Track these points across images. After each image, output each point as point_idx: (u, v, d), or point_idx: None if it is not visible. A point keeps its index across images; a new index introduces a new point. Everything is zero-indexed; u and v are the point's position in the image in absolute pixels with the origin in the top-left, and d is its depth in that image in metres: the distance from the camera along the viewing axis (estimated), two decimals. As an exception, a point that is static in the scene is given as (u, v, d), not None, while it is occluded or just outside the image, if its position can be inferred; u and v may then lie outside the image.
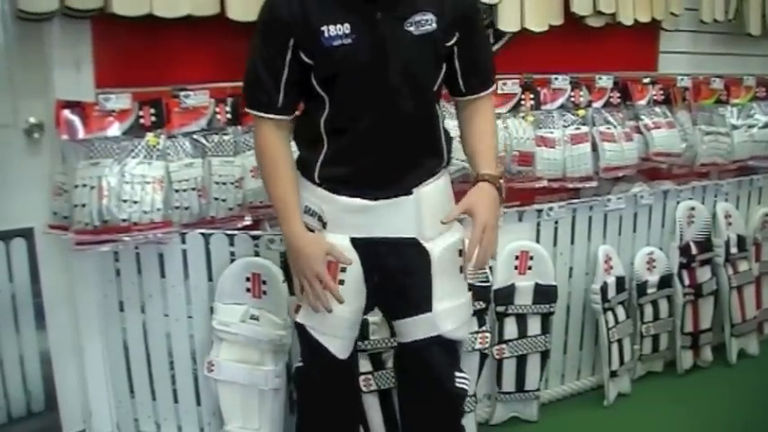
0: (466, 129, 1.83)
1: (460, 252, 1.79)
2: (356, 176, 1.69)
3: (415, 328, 1.78)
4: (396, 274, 1.75)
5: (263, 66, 1.66)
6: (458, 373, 1.86)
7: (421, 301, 1.76)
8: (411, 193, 1.72)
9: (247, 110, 1.73)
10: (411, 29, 1.64)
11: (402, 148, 1.69)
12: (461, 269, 1.81)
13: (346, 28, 1.60)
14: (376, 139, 1.67)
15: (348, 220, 1.71)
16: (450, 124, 1.90)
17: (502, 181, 1.79)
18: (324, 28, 1.60)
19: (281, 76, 1.65)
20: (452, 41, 1.71)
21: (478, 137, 1.81)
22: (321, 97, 1.67)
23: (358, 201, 1.69)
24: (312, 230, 1.73)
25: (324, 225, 1.72)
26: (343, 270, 1.71)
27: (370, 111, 1.65)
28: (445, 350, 1.81)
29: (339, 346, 1.78)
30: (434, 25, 1.65)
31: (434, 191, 1.76)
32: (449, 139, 1.82)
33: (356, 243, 1.72)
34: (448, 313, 1.77)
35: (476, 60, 1.78)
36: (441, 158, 1.79)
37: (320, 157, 1.70)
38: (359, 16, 1.61)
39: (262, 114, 1.69)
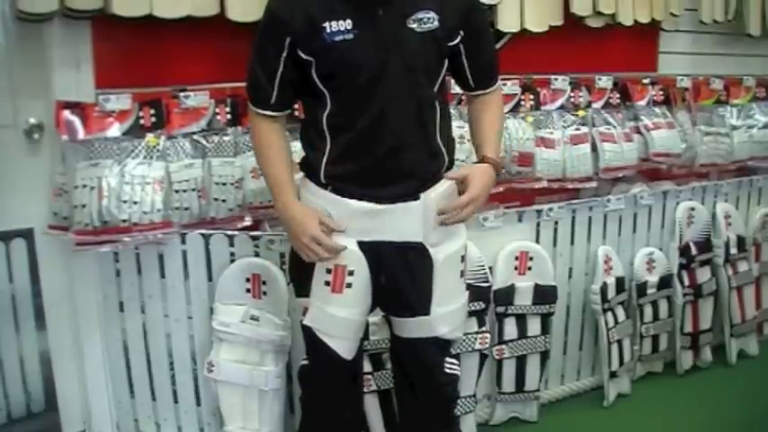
0: (475, 120, 1.88)
1: (462, 258, 1.84)
2: (361, 175, 1.69)
3: (413, 328, 1.82)
4: (399, 277, 1.77)
5: (259, 64, 1.70)
6: (448, 359, 1.91)
7: (420, 305, 1.79)
8: (418, 198, 1.73)
9: (249, 104, 1.77)
10: (414, 26, 1.65)
11: (404, 144, 1.69)
12: (462, 273, 1.86)
13: (348, 24, 1.61)
14: (378, 136, 1.67)
15: (356, 223, 1.71)
16: (453, 125, 1.90)
17: (503, 170, 1.86)
18: (326, 24, 1.61)
19: (275, 73, 1.68)
20: (456, 41, 1.73)
21: (487, 125, 1.86)
22: (323, 94, 1.68)
23: (365, 204, 1.70)
24: None
25: (331, 229, 1.72)
26: (351, 274, 1.72)
27: (371, 107, 1.65)
28: (439, 348, 1.86)
29: (346, 348, 1.80)
30: (437, 23, 1.67)
31: (441, 196, 1.77)
32: (451, 141, 1.83)
33: (363, 247, 1.72)
34: (445, 317, 1.82)
35: (483, 57, 1.82)
36: (442, 159, 1.78)
37: (325, 156, 1.71)
38: (361, 12, 1.61)
39: (258, 110, 1.74)
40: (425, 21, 1.66)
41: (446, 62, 1.75)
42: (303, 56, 1.64)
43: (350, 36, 1.61)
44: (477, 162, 1.82)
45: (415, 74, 1.68)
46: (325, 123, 1.69)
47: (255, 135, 1.79)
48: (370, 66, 1.64)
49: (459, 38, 1.73)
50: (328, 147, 1.70)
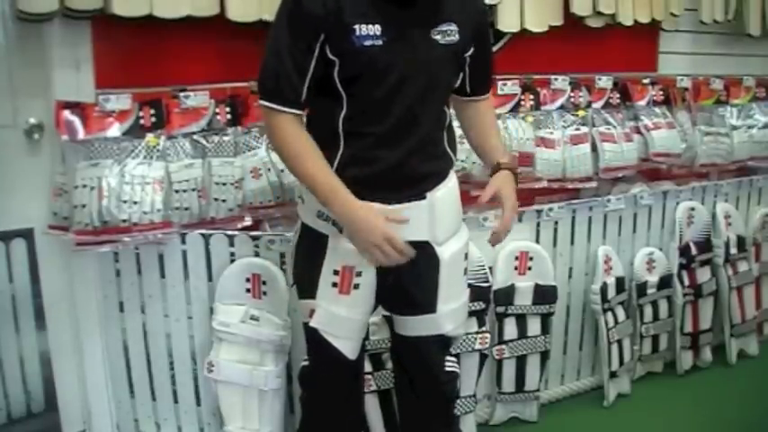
0: (473, 126, 1.91)
1: (466, 255, 1.85)
2: (373, 180, 1.67)
3: (418, 326, 1.83)
4: (405, 275, 1.75)
5: (291, 59, 1.59)
6: (447, 357, 1.92)
7: (426, 303, 1.80)
8: (425, 198, 1.73)
9: (265, 102, 1.63)
10: (437, 37, 1.65)
11: (418, 150, 1.69)
12: (465, 270, 1.88)
13: (377, 29, 1.58)
14: (393, 144, 1.66)
15: None
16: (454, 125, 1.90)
17: (518, 170, 1.89)
18: (356, 26, 1.57)
19: (307, 70, 1.60)
20: (470, 52, 1.75)
21: (488, 132, 1.91)
22: (339, 95, 1.64)
23: (374, 205, 1.67)
24: (326, 235, 1.72)
25: (340, 230, 1.69)
26: (359, 275, 1.72)
27: (390, 114, 1.64)
28: (441, 346, 1.87)
29: (350, 348, 1.80)
30: (457, 36, 1.67)
31: (447, 195, 1.77)
32: (455, 141, 1.83)
33: None
34: (450, 314, 1.83)
35: (484, 67, 1.84)
36: (450, 160, 1.80)
37: (337, 158, 1.67)
38: (390, 19, 1.59)
39: (284, 109, 1.61)
40: (448, 33, 1.66)
41: (461, 74, 1.78)
42: (330, 55, 1.60)
43: (379, 42, 1.58)
44: (492, 170, 1.82)
45: (434, 85, 1.69)
46: (341, 127, 1.65)
47: (284, 138, 1.63)
48: (395, 73, 1.62)
49: (471, 49, 1.75)
50: (341, 150, 1.67)
